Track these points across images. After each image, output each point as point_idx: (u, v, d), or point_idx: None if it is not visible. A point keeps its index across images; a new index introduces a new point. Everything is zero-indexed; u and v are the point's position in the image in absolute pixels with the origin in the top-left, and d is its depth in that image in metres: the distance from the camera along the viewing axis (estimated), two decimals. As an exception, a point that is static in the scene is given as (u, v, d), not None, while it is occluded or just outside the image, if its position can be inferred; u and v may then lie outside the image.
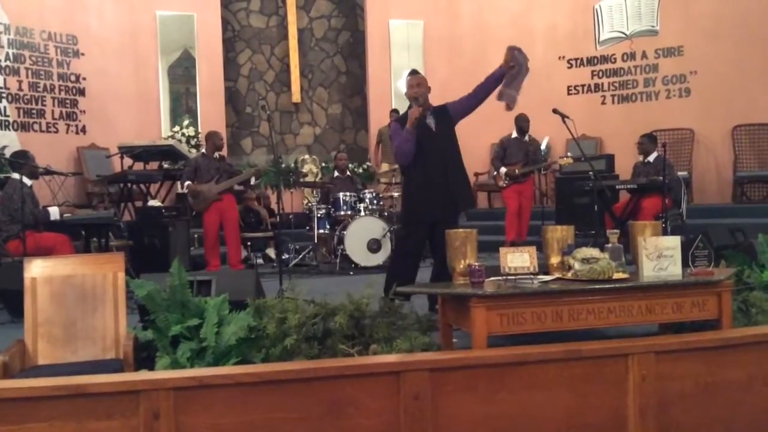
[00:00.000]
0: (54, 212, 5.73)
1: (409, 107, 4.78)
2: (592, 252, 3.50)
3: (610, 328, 3.71)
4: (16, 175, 5.70)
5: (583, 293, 3.31)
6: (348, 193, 7.89)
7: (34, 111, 9.00)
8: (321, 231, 7.87)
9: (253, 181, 7.55)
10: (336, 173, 8.70)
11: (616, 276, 3.43)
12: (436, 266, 4.83)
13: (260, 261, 8.28)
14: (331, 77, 11.36)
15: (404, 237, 4.91)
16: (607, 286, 3.34)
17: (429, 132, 4.72)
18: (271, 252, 8.52)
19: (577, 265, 3.45)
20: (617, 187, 7.35)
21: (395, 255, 5.29)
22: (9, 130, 8.70)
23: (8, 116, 8.71)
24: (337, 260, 7.57)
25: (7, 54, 8.73)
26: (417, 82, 4.78)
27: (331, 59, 11.35)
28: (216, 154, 7.25)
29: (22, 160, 5.74)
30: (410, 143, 4.66)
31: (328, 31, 11.32)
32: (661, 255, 3.45)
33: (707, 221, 7.31)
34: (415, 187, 4.76)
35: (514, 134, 7.95)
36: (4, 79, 8.69)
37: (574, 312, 3.30)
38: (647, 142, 7.32)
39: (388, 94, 10.82)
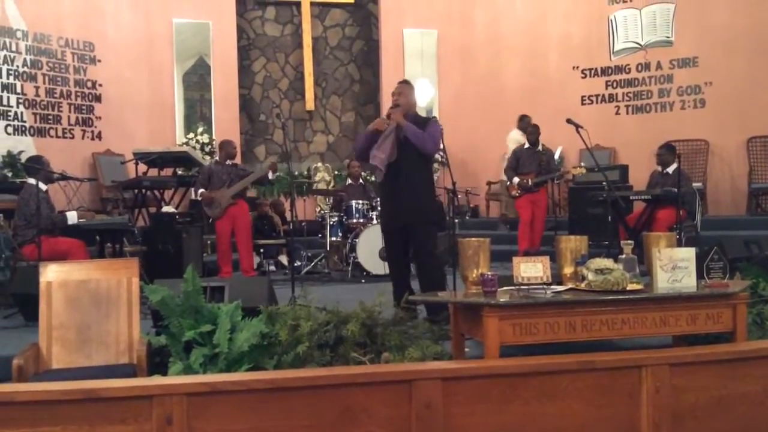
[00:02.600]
0: (72, 217, 5.77)
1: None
2: (606, 263, 3.49)
3: (624, 340, 3.69)
4: (32, 180, 5.75)
5: (597, 304, 3.30)
6: (360, 201, 7.89)
7: (51, 117, 9.09)
8: (333, 238, 7.88)
9: (271, 175, 7.51)
10: (349, 181, 8.72)
11: (630, 287, 3.42)
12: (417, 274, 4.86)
13: (273, 268, 8.30)
14: (344, 85, 11.40)
15: (384, 246, 5.04)
16: (621, 297, 3.32)
17: (400, 142, 4.67)
18: (283, 259, 8.53)
19: (590, 276, 3.44)
20: (631, 197, 7.31)
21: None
22: (26, 135, 8.78)
23: (25, 121, 8.80)
24: (349, 268, 7.57)
25: (25, 60, 8.82)
26: (398, 91, 4.81)
27: (345, 68, 11.39)
28: (228, 161, 7.29)
29: (37, 165, 5.79)
30: (360, 143, 4.85)
31: (342, 39, 11.37)
32: (675, 266, 3.43)
33: (722, 233, 7.26)
34: (381, 195, 4.92)
35: (527, 144, 7.94)
36: (22, 85, 8.79)
37: (588, 323, 3.29)
38: (666, 153, 7.27)
39: (401, 102, 10.81)
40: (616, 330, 3.33)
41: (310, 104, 11.08)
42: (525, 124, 8.74)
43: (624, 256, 3.63)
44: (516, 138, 8.97)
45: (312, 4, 11.06)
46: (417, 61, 10.90)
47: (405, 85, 4.87)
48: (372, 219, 7.68)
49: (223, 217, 7.00)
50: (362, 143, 4.80)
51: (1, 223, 5.94)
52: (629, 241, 3.77)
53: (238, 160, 9.64)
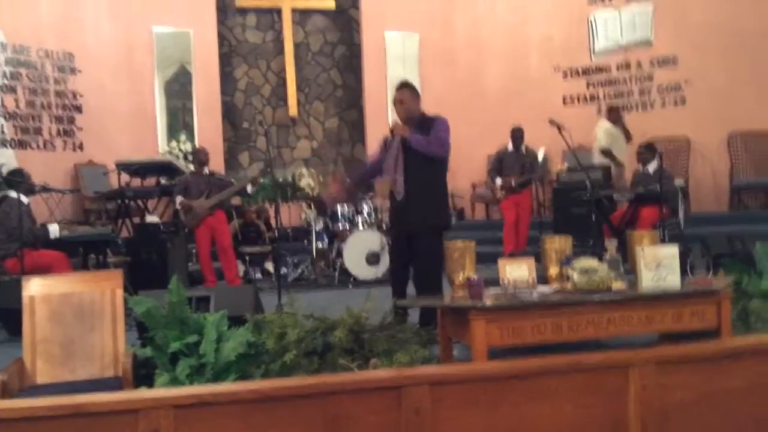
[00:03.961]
0: (54, 230, 5.72)
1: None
2: (591, 262, 3.51)
3: (611, 339, 3.71)
4: (13, 193, 5.70)
5: (583, 304, 3.31)
6: (346, 206, 7.88)
7: (31, 128, 9.01)
8: (319, 245, 7.87)
9: (249, 188, 7.48)
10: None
11: (615, 286, 3.44)
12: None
13: (259, 276, 8.27)
14: (327, 91, 11.39)
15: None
16: (606, 296, 3.34)
17: (406, 145, 4.58)
18: (269, 266, 8.50)
19: (576, 276, 3.45)
20: (614, 197, 7.35)
21: None
22: (6, 147, 8.69)
23: (5, 134, 8.71)
24: (336, 273, 7.56)
25: (4, 72, 8.74)
26: (399, 98, 4.68)
27: (328, 73, 11.39)
28: (206, 170, 7.24)
29: (18, 178, 5.75)
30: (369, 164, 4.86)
31: (324, 45, 11.36)
32: (659, 264, 3.45)
33: (705, 230, 7.31)
34: (390, 198, 4.76)
35: (510, 147, 7.97)
36: (1, 98, 8.70)
37: (574, 323, 3.30)
38: (646, 152, 7.33)
39: (384, 106, 10.83)
40: (602, 329, 3.35)
41: (293, 110, 11.06)
42: (615, 115, 8.74)
43: (608, 255, 3.65)
44: (608, 129, 8.73)
45: (293, 10, 11.05)
46: (399, 65, 10.92)
47: (404, 90, 4.68)
48: (357, 224, 7.68)
49: (201, 226, 6.95)
50: (371, 165, 4.80)
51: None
52: (613, 240, 3.79)
53: (221, 167, 9.63)
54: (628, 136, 8.74)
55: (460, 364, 3.43)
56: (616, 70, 10.25)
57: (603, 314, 3.33)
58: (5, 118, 8.72)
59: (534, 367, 2.99)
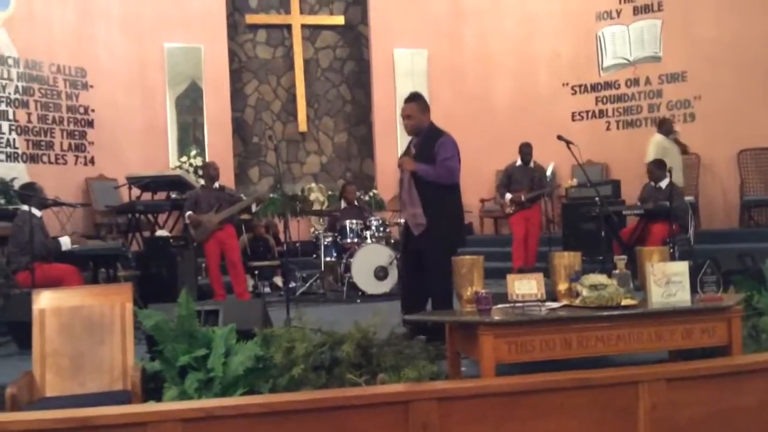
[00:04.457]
0: (65, 242, 5.76)
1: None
2: (600, 278, 3.49)
3: (620, 356, 3.69)
4: (25, 207, 5.74)
5: (592, 320, 3.30)
6: (354, 221, 7.89)
7: (43, 143, 9.09)
8: (328, 259, 7.87)
9: (254, 207, 7.53)
10: (344, 204, 8.69)
11: (624, 302, 3.42)
12: None
13: (268, 290, 8.28)
14: (336, 106, 11.45)
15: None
16: (615, 312, 3.33)
17: (410, 157, 4.70)
18: (278, 280, 8.52)
19: (585, 292, 3.44)
20: (624, 212, 7.34)
21: None
22: (18, 162, 8.77)
23: (17, 148, 8.79)
24: (344, 288, 7.56)
25: (17, 87, 8.84)
26: (406, 113, 4.71)
27: (337, 89, 11.45)
28: (216, 184, 7.28)
29: (30, 192, 5.79)
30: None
31: (333, 61, 11.44)
32: (669, 281, 3.44)
33: (715, 246, 7.29)
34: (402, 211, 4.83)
35: (519, 162, 7.98)
36: (14, 112, 8.80)
37: (583, 339, 3.28)
38: (655, 169, 7.29)
39: (393, 122, 10.86)
40: (612, 346, 3.33)
41: (302, 125, 11.12)
42: (667, 128, 8.45)
43: (618, 271, 3.64)
44: (659, 142, 8.40)
45: (303, 26, 11.15)
46: (408, 81, 10.96)
47: (412, 104, 4.70)
48: (366, 239, 7.68)
49: (211, 240, 6.98)
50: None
51: (-6, 250, 5.92)
52: (622, 257, 3.77)
53: (231, 182, 9.68)
54: (683, 148, 8.51)
55: (468, 379, 3.42)
56: (625, 86, 10.26)
57: (612, 330, 3.31)
58: (18, 132, 8.81)
59: (542, 383, 2.98)
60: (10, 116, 8.75)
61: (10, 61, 8.78)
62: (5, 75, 8.72)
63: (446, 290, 4.36)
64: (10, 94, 8.76)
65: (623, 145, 10.05)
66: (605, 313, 3.31)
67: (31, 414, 2.85)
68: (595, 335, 3.29)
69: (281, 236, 9.03)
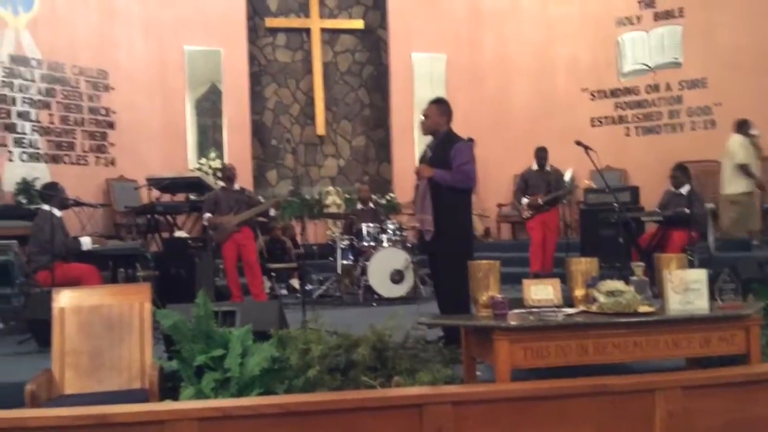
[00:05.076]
0: (86, 242, 5.82)
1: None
2: (617, 285, 3.47)
3: (637, 363, 3.66)
4: (46, 207, 5.81)
5: (609, 326, 3.28)
6: (371, 224, 7.91)
7: (65, 144, 9.21)
8: (344, 262, 7.88)
9: (272, 212, 7.58)
10: (359, 205, 8.76)
11: (641, 309, 3.40)
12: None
13: (284, 292, 8.31)
14: (355, 110, 11.48)
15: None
16: (632, 319, 3.31)
17: (425, 161, 4.78)
18: (295, 283, 8.54)
19: (601, 298, 3.42)
20: (642, 219, 7.28)
21: None
22: (40, 162, 8.89)
23: (39, 149, 8.91)
24: (361, 291, 7.57)
25: (39, 88, 8.96)
26: (424, 113, 4.84)
27: (355, 92, 11.49)
28: (237, 186, 7.33)
29: (51, 192, 5.86)
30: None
31: (352, 64, 11.47)
32: (687, 288, 3.42)
33: (735, 254, 7.21)
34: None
35: (534, 166, 7.96)
36: (36, 113, 8.91)
37: (600, 345, 3.27)
38: (680, 174, 7.22)
39: (410, 126, 10.90)
40: (628, 353, 3.30)
41: (320, 129, 11.16)
42: (746, 128, 8.21)
43: (635, 277, 3.62)
44: (742, 142, 8.17)
45: (322, 30, 11.20)
46: (426, 85, 10.98)
47: (431, 106, 4.83)
48: (382, 242, 7.69)
49: (228, 242, 7.03)
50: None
51: (15, 249, 5.98)
52: (640, 263, 3.76)
53: (249, 185, 9.74)
54: (760, 150, 8.28)
55: (484, 384, 3.42)
56: (645, 92, 10.20)
57: (629, 337, 3.29)
58: (39, 133, 8.92)
59: (558, 389, 2.97)
60: (33, 117, 8.87)
61: (33, 63, 8.91)
62: (28, 76, 8.84)
63: (460, 294, 4.39)
64: (32, 95, 8.88)
65: (643, 151, 9.99)
66: (622, 320, 3.29)
67: (49, 411, 2.89)
68: (611, 342, 3.27)
69: (298, 239, 9.07)
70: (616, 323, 3.28)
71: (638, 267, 3.70)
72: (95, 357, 3.46)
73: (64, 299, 3.54)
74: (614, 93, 10.42)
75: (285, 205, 9.69)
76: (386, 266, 7.43)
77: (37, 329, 4.87)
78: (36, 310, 4.94)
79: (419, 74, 11.11)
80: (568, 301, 3.66)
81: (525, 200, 7.79)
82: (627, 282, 3.57)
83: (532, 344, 3.19)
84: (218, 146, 10.41)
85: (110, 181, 9.47)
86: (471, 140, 9.69)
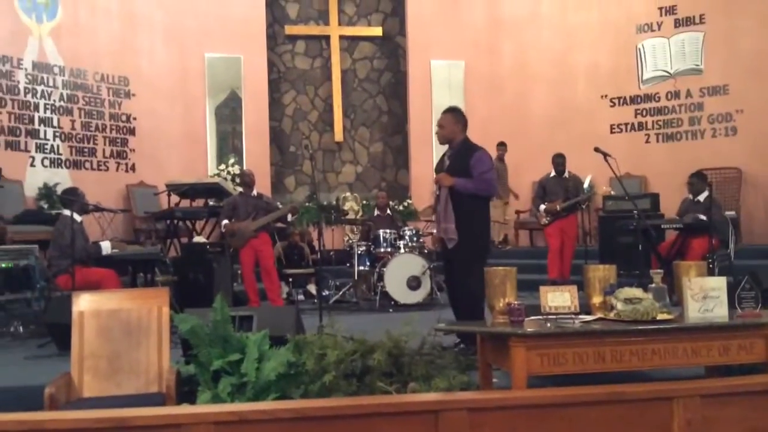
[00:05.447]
0: (106, 247, 5.88)
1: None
2: (635, 292, 3.45)
3: (655, 370, 3.63)
4: (66, 212, 5.88)
5: (627, 334, 3.26)
6: (388, 231, 7.92)
7: (86, 149, 9.32)
8: (361, 268, 7.89)
9: (290, 217, 7.62)
10: (376, 212, 8.77)
11: (660, 317, 3.37)
12: None
13: (301, 297, 8.34)
14: (373, 116, 11.51)
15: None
16: (650, 327, 3.28)
17: (443, 169, 4.86)
18: (312, 288, 8.57)
19: (619, 305, 3.40)
20: (662, 226, 7.22)
21: None
22: (62, 167, 9.01)
23: (61, 154, 9.03)
24: (377, 297, 7.58)
25: (62, 95, 9.09)
26: (440, 123, 4.92)
27: (374, 99, 11.52)
28: (255, 192, 7.38)
29: (72, 197, 5.92)
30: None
31: (370, 71, 11.51)
32: (706, 296, 3.38)
33: (757, 262, 7.12)
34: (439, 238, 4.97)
35: (553, 173, 7.92)
36: (58, 119, 9.03)
37: (617, 353, 3.25)
38: (697, 181, 7.16)
39: (428, 132, 10.90)
40: (647, 360, 3.28)
41: (339, 135, 11.21)
42: None
43: (654, 285, 3.60)
44: None
45: (341, 37, 11.25)
46: (444, 92, 10.98)
47: (446, 115, 4.88)
48: (399, 248, 7.69)
49: (246, 247, 7.07)
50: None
51: (36, 254, 6.06)
52: (659, 270, 3.73)
53: (267, 191, 9.80)
54: None
55: (500, 391, 3.40)
56: (665, 98, 10.12)
57: (647, 345, 3.27)
58: (61, 138, 9.04)
59: (575, 397, 2.94)
60: (55, 123, 8.99)
61: (56, 70, 9.04)
62: (51, 83, 8.97)
63: (476, 300, 4.42)
64: (55, 101, 9.00)
65: (663, 159, 9.92)
66: (640, 327, 3.27)
67: (68, 414, 2.92)
68: (629, 349, 3.25)
69: (315, 244, 9.08)
70: (634, 331, 3.25)
71: (657, 274, 3.67)
72: (114, 360, 3.49)
73: (83, 303, 3.58)
74: (634, 100, 10.35)
75: (302, 211, 9.74)
76: (403, 272, 7.43)
77: (57, 333, 4.93)
78: (56, 313, 5.00)
79: (437, 81, 11.12)
80: (586, 308, 3.64)
81: (543, 207, 7.75)
82: (646, 289, 3.54)
83: (549, 351, 3.18)
84: (238, 152, 10.49)
85: (130, 186, 9.56)
86: (504, 144, 9.66)
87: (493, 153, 9.58)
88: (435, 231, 5.12)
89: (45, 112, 8.90)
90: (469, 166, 4.68)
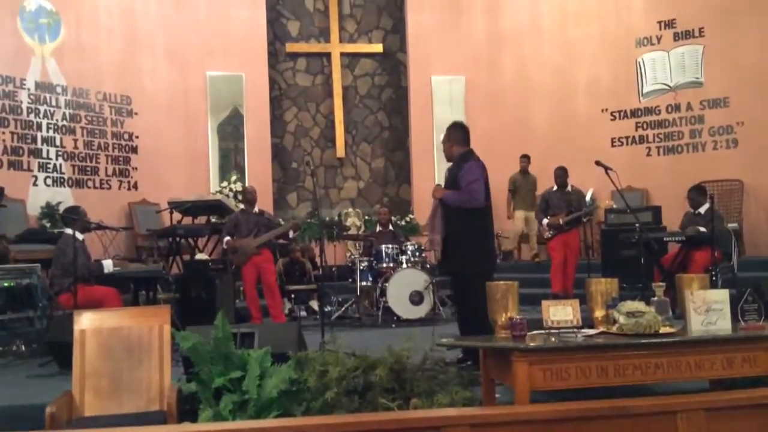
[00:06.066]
0: (108, 265, 5.89)
1: None
2: (638, 305, 3.44)
3: (658, 384, 3.61)
4: (68, 230, 5.89)
5: (629, 348, 3.24)
6: (390, 246, 7.92)
7: (89, 168, 9.35)
8: (363, 283, 7.88)
9: (291, 234, 7.64)
10: (378, 227, 8.78)
11: (662, 330, 3.36)
12: None
13: (304, 313, 8.32)
14: (374, 132, 11.54)
15: None
16: (653, 340, 3.26)
17: (446, 185, 4.93)
18: (314, 304, 8.55)
19: (622, 319, 3.39)
20: (664, 239, 7.21)
21: None
22: (64, 186, 9.03)
23: (64, 173, 9.05)
24: (380, 313, 7.56)
25: (64, 114, 9.13)
26: (442, 142, 5.01)
27: (375, 115, 11.56)
28: (256, 209, 7.40)
29: (74, 216, 5.93)
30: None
31: (371, 88, 11.56)
32: (709, 309, 3.37)
33: (760, 274, 7.08)
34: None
35: (555, 187, 7.92)
36: (61, 138, 9.07)
37: (620, 367, 3.23)
38: (697, 195, 7.16)
39: (430, 147, 10.94)
40: (650, 374, 3.26)
41: (340, 151, 11.24)
42: None
43: (656, 298, 3.58)
44: None
45: (342, 54, 11.31)
46: (445, 107, 11.02)
47: (446, 133, 4.98)
48: (401, 263, 7.69)
49: (248, 264, 7.08)
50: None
51: (38, 272, 6.07)
52: (661, 284, 3.71)
53: (270, 207, 9.81)
54: None
55: (502, 406, 3.38)
56: (666, 111, 10.13)
57: (650, 359, 3.25)
58: (64, 158, 9.07)
59: (578, 411, 2.93)
60: (58, 143, 9.03)
61: (59, 89, 9.09)
62: (53, 102, 9.02)
63: (479, 314, 4.37)
64: (57, 121, 9.05)
65: (664, 171, 9.92)
66: (643, 341, 3.25)
67: (69, 432, 2.90)
68: (632, 363, 3.23)
69: (317, 260, 9.08)
70: (637, 344, 3.24)
71: (659, 287, 3.66)
72: (115, 379, 3.48)
73: (85, 321, 3.58)
74: (635, 113, 10.37)
75: (304, 227, 9.74)
76: (405, 287, 7.42)
77: (59, 351, 4.92)
78: (58, 332, 4.99)
79: (438, 96, 11.16)
80: (588, 322, 3.62)
81: (546, 221, 7.75)
82: (648, 303, 3.53)
83: (552, 366, 3.16)
84: (240, 169, 10.52)
85: (132, 204, 9.58)
86: (526, 157, 9.56)
87: (516, 166, 9.66)
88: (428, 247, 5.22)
89: (48, 132, 8.94)
90: (459, 178, 4.74)
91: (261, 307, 7.14)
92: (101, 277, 5.82)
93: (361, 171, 11.48)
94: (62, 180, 9.03)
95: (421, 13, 11.25)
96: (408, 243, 8.11)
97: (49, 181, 8.88)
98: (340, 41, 11.32)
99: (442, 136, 5.02)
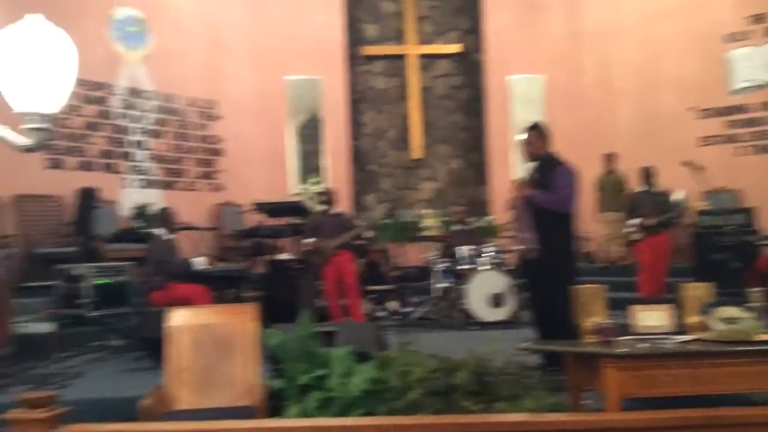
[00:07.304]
0: (200, 262, 6.10)
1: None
2: (734, 311, 3.30)
3: (755, 393, 3.45)
4: (159, 230, 6.13)
5: (725, 355, 3.12)
6: (468, 247, 7.85)
7: (176, 170, 9.69)
8: (442, 285, 7.86)
9: (369, 234, 7.72)
10: (456, 227, 8.72)
11: (760, 337, 3.21)
12: None
13: (383, 314, 8.36)
14: (451, 133, 11.50)
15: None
16: (751, 348, 3.13)
17: (531, 183, 4.80)
18: (393, 305, 8.58)
19: (717, 325, 3.26)
20: (756, 243, 6.88)
21: None
22: (154, 188, 9.39)
23: (153, 175, 9.42)
24: (459, 315, 7.51)
25: (153, 118, 9.50)
26: (526, 140, 4.85)
27: (452, 116, 11.51)
28: (335, 210, 7.51)
29: (164, 216, 6.17)
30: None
31: (448, 88, 11.52)
32: (811, 315, 3.20)
33: None
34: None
35: (641, 187, 7.66)
36: (150, 142, 9.44)
37: (715, 375, 3.11)
38: None
39: (507, 148, 10.81)
40: (747, 383, 3.12)
41: (417, 153, 11.24)
42: None
43: (752, 304, 3.43)
44: None
45: (419, 56, 11.31)
46: (523, 107, 10.87)
47: (531, 132, 4.87)
48: (480, 264, 7.61)
49: (328, 264, 7.19)
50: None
51: (131, 270, 6.33)
52: (758, 289, 3.55)
53: (349, 208, 9.91)
54: None
55: (590, 413, 3.30)
56: (757, 109, 9.67)
57: (747, 367, 3.11)
58: (153, 161, 9.43)
59: (672, 420, 2.82)
60: (147, 146, 9.39)
61: (150, 95, 9.46)
62: (144, 107, 9.39)
63: (560, 318, 4.29)
64: (147, 125, 9.41)
65: (758, 171, 9.45)
66: (739, 348, 3.12)
67: (161, 425, 3.00)
68: (728, 371, 3.11)
69: (395, 261, 9.12)
70: (733, 352, 3.11)
71: (756, 293, 3.50)
72: (205, 374, 3.59)
73: (177, 318, 3.70)
74: (723, 111, 9.94)
75: (381, 228, 9.79)
76: (485, 289, 7.35)
77: (151, 347, 5.11)
78: (150, 328, 5.18)
79: (516, 96, 11.02)
80: (680, 327, 3.50)
81: (634, 221, 7.50)
82: (744, 308, 3.38)
83: (643, 372, 3.07)
84: (319, 171, 10.68)
85: (218, 205, 9.87)
86: (611, 156, 9.35)
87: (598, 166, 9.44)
88: (515, 246, 5.05)
89: (137, 136, 9.31)
90: (551, 180, 4.64)
91: (340, 307, 7.22)
92: (190, 276, 6.02)
93: (438, 172, 11.45)
94: (152, 182, 9.39)
95: (499, 12, 11.13)
96: (487, 244, 8.02)
97: (139, 183, 9.25)
98: (417, 43, 11.32)
99: (525, 135, 4.86)
